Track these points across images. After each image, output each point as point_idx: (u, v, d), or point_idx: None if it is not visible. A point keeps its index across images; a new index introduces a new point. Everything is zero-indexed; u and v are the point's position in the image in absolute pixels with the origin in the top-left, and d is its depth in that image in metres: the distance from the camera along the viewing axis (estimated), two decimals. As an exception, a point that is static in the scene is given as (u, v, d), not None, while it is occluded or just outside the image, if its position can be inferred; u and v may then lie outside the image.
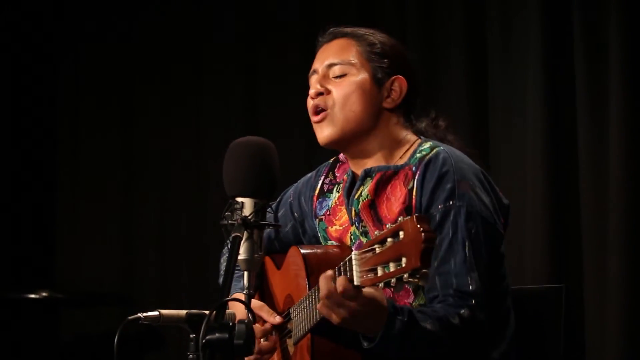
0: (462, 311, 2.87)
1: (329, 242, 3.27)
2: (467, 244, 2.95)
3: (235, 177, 2.75)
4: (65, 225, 6.48)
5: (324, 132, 3.19)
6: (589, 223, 4.52)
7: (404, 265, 2.42)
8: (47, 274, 6.42)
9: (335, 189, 3.33)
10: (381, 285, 2.49)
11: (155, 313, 2.95)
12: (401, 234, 2.44)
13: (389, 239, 2.47)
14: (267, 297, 3.38)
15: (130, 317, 2.90)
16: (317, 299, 2.84)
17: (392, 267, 2.45)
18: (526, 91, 4.75)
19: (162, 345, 6.16)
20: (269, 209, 2.77)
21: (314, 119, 3.21)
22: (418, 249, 2.39)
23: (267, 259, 3.41)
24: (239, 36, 6.04)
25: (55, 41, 6.50)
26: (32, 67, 6.46)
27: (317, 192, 3.38)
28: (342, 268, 2.72)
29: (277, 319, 3.22)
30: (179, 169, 6.23)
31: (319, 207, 3.35)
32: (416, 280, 2.41)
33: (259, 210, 2.72)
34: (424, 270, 2.40)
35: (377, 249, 2.51)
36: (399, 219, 2.96)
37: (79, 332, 6.38)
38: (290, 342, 3.17)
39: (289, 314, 3.19)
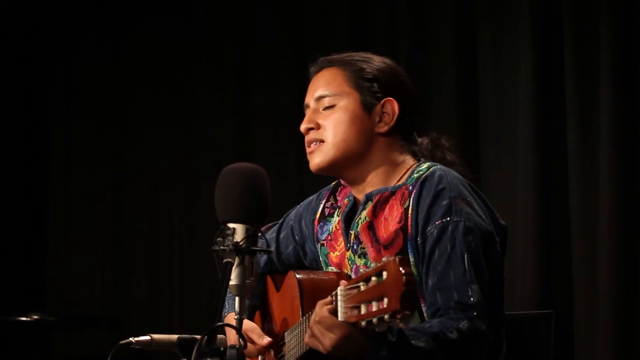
0: (461, 324, 2.86)
1: (329, 267, 3.28)
2: (466, 256, 2.94)
3: (226, 203, 2.76)
4: (57, 248, 6.48)
5: (314, 161, 3.20)
6: (579, 248, 4.54)
7: (385, 306, 2.43)
8: (39, 296, 6.42)
9: (335, 213, 3.34)
10: (364, 323, 2.51)
11: (147, 337, 2.97)
12: (384, 274, 2.45)
13: (373, 278, 2.49)
14: (267, 318, 3.40)
15: (122, 342, 2.91)
16: (307, 328, 2.86)
17: (374, 306, 2.46)
18: (517, 110, 4.78)
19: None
20: (260, 235, 2.77)
21: (308, 150, 3.22)
22: (398, 291, 2.40)
23: (269, 280, 3.43)
24: (231, 58, 6.06)
25: (47, 64, 6.53)
26: (25, 96, 6.49)
27: (318, 216, 3.39)
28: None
29: (264, 341, 3.22)
30: (171, 193, 6.25)
31: (320, 231, 3.35)
32: (397, 321, 2.42)
33: (250, 236, 2.72)
34: (406, 312, 2.40)
35: (361, 287, 2.53)
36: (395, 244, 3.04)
37: (70, 356, 6.37)
38: None
39: (284, 338, 3.20)
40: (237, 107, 6.05)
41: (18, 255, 6.43)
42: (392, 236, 3.07)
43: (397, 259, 2.44)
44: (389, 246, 3.08)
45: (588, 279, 4.48)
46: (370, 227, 3.14)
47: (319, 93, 3.22)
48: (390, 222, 3.10)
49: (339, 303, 2.62)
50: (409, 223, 3.04)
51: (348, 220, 3.24)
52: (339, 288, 2.64)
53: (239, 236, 2.71)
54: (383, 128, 3.18)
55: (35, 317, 5.89)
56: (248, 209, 2.74)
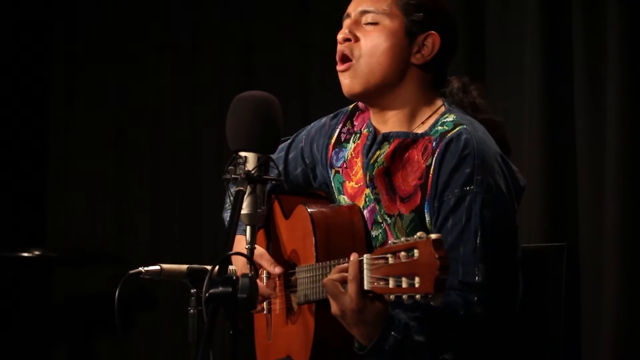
0: (461, 312, 2.84)
1: (342, 196, 3.22)
2: (479, 233, 2.89)
3: (238, 131, 2.73)
4: (58, 183, 6.47)
5: (346, 82, 3.09)
6: (585, 182, 4.53)
7: (417, 285, 2.41)
8: (39, 233, 6.40)
9: (352, 139, 3.25)
10: (392, 297, 2.49)
11: (157, 267, 2.95)
12: (416, 252, 2.43)
13: (402, 252, 2.46)
14: (274, 241, 3.34)
15: (131, 271, 2.89)
16: (322, 277, 2.85)
17: (404, 282, 2.44)
18: (523, 91, 4.75)
19: (155, 305, 6.15)
20: (272, 163, 2.74)
21: (338, 67, 3.10)
22: (432, 275, 2.39)
23: (275, 201, 3.35)
24: (233, 31, 6.01)
25: (46, 36, 6.50)
26: (28, 65, 6.47)
27: (333, 140, 3.29)
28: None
29: (277, 270, 3.18)
30: (173, 128, 6.23)
31: (334, 157, 3.27)
32: (428, 300, 2.41)
33: (262, 165, 2.70)
34: (438, 294, 2.40)
35: (389, 259, 2.50)
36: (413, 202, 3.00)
37: (71, 292, 6.37)
38: (294, 298, 3.16)
39: (294, 270, 3.16)
40: (241, 80, 5.97)
41: (18, 191, 6.40)
42: (411, 191, 3.01)
43: (430, 240, 2.41)
44: (406, 200, 3.02)
45: (595, 212, 4.47)
46: (387, 173, 3.06)
47: (364, 7, 3.09)
48: (410, 175, 3.02)
49: (365, 272, 2.59)
50: (429, 183, 2.96)
51: (368, 153, 3.14)
52: (364, 256, 2.60)
53: (250, 165, 2.70)
54: (419, 60, 3.07)
55: (37, 252, 5.89)
56: (260, 138, 2.72)
